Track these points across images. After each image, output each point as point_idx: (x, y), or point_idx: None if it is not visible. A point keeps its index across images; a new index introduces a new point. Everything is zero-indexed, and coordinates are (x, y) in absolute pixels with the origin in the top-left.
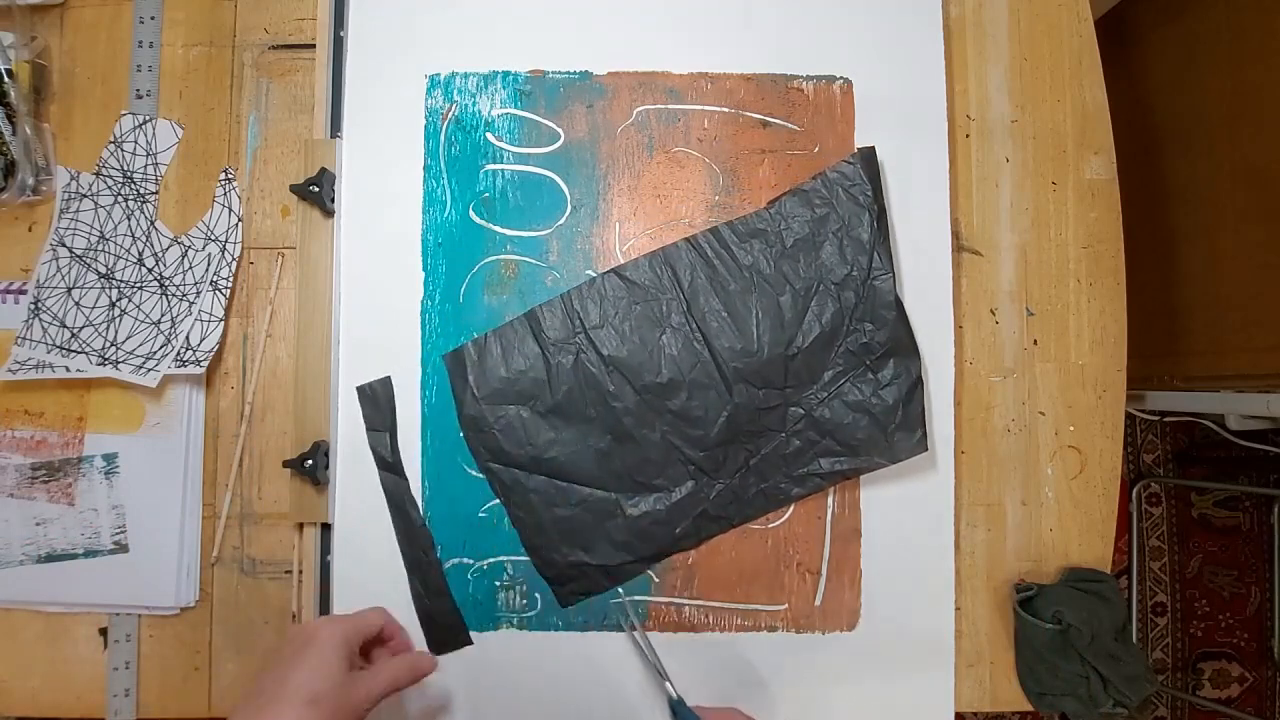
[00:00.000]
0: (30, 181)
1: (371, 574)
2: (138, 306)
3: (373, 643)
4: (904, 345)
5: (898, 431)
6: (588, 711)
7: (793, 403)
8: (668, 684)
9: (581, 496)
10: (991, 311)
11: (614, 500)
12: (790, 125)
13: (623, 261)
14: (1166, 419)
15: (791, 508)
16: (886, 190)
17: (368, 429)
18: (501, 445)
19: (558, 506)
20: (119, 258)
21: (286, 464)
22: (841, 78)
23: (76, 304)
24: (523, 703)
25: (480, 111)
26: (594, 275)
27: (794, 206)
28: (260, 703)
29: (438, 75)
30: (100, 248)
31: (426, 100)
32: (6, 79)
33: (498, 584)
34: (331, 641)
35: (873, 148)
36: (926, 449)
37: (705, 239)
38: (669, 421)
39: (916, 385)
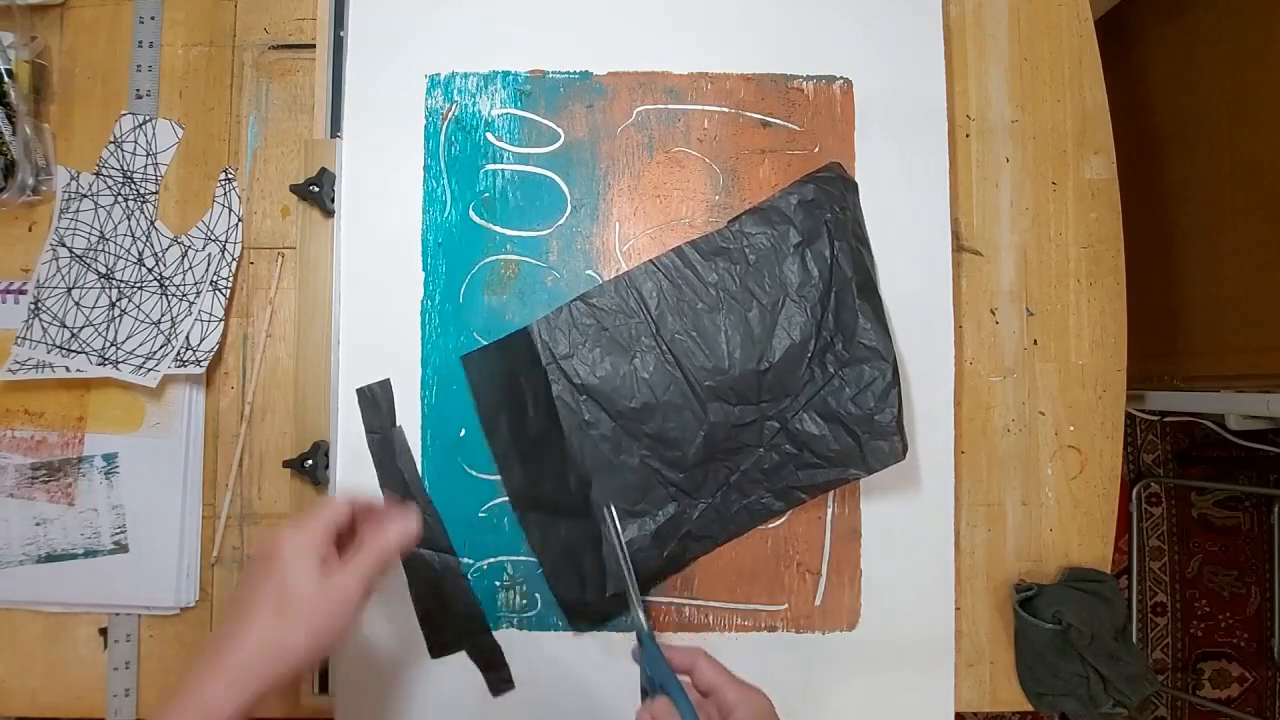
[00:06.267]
0: (30, 181)
1: None
2: (138, 306)
3: (349, 533)
4: (875, 353)
5: (872, 441)
6: (587, 711)
7: (769, 417)
8: (639, 614)
9: (566, 528)
10: (991, 311)
11: (598, 530)
12: (790, 125)
13: (622, 262)
14: (1166, 419)
15: None
16: (889, 191)
17: (367, 433)
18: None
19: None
20: (119, 258)
21: (286, 464)
22: (841, 78)
23: (76, 304)
24: (522, 702)
25: (480, 111)
26: (594, 276)
27: (754, 224)
28: (226, 629)
29: (438, 75)
30: (100, 248)
31: (426, 100)
32: (6, 79)
33: (498, 584)
34: (293, 547)
35: (836, 164)
36: (903, 458)
37: (669, 259)
38: (647, 445)
39: (889, 392)
